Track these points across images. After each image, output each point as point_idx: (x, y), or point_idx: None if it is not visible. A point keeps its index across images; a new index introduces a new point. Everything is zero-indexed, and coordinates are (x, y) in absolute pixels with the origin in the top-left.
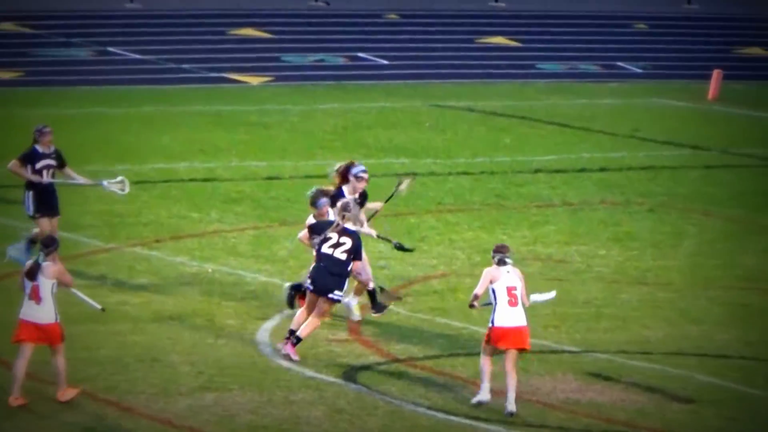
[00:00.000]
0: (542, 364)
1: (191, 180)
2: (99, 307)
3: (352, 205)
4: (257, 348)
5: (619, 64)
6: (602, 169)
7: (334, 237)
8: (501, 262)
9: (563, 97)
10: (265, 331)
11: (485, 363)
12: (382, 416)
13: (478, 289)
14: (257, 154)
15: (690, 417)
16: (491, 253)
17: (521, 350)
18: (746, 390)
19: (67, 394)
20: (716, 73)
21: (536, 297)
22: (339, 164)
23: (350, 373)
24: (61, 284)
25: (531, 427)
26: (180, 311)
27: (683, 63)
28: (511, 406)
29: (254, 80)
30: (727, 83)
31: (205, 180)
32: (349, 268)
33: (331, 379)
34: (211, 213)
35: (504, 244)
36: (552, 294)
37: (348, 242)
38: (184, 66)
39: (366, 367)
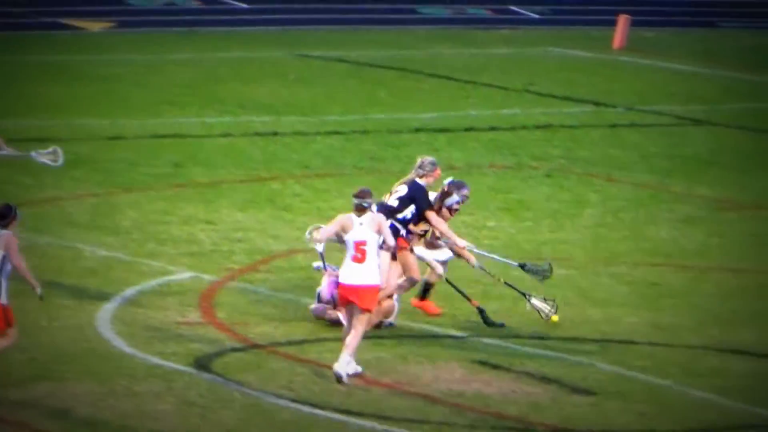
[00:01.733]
0: (422, 350)
1: (22, 140)
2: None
3: None
4: (97, 332)
5: (513, 8)
6: (492, 128)
7: None
8: (358, 209)
9: (448, 45)
10: (105, 312)
11: (344, 329)
12: (238, 410)
13: (323, 234)
14: (97, 110)
15: (591, 411)
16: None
17: (364, 310)
18: (655, 381)
19: None
20: (622, 19)
21: (422, 252)
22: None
23: (203, 361)
24: (10, 260)
25: (410, 422)
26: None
27: (585, 7)
28: (337, 366)
29: (94, 26)
30: (635, 30)
31: (38, 140)
32: None
33: (181, 367)
34: (45, 178)
35: (367, 188)
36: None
37: None
38: (12, 10)
39: (221, 354)
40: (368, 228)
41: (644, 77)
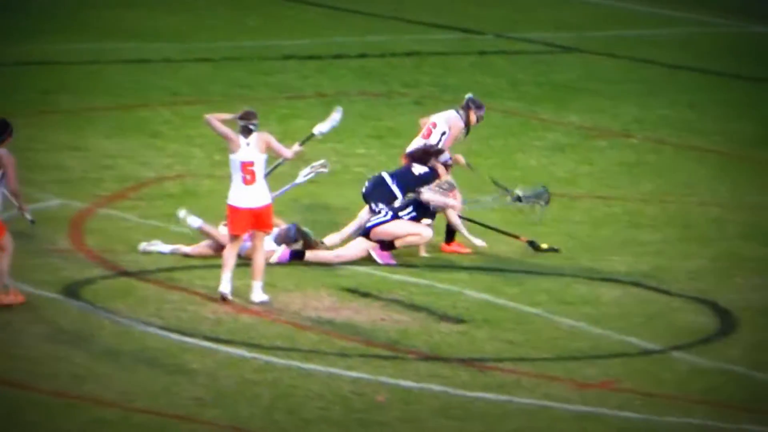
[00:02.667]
0: (291, 278)
1: None
2: (30, 218)
3: None
4: None
5: None
6: (361, 55)
7: None
8: (244, 131)
9: None
10: None
11: (227, 251)
12: (108, 336)
13: (212, 119)
14: None
15: (460, 339)
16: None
17: (264, 231)
18: (524, 309)
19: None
20: None
21: (321, 128)
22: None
23: (72, 289)
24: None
25: (279, 350)
26: None
27: None
28: (254, 294)
29: None
30: None
31: None
32: None
33: (50, 294)
34: None
35: (252, 110)
36: (337, 114)
37: None
38: None
39: (90, 282)
40: (255, 148)
41: (514, 4)
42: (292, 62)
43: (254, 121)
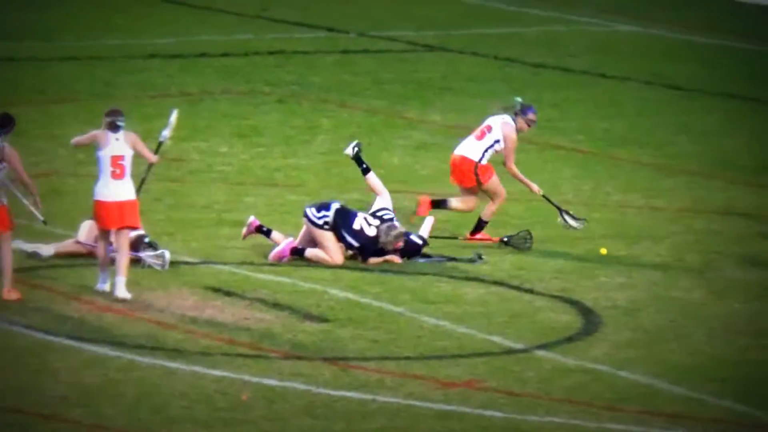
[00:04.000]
0: (155, 276)
1: None
2: (41, 218)
3: None
4: None
5: None
6: (225, 54)
7: None
8: (112, 127)
9: None
10: None
11: (99, 249)
12: None
13: (75, 140)
14: None
15: (323, 338)
16: (103, 117)
17: (130, 228)
18: (388, 307)
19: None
20: None
21: (164, 133)
22: None
23: None
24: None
25: (143, 348)
26: None
27: None
28: (118, 290)
29: None
30: None
31: None
32: None
33: None
34: None
35: (117, 108)
36: (173, 117)
37: None
38: None
39: None
40: (125, 143)
41: (377, 2)
42: (157, 61)
43: (121, 118)
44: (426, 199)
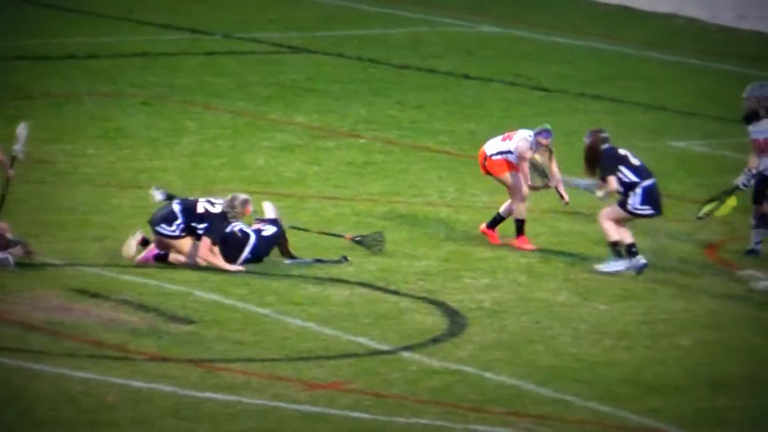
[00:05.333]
0: (21, 279)
1: None
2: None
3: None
4: None
5: None
6: (91, 56)
7: None
8: None
9: None
10: None
11: None
12: None
13: None
14: None
15: (189, 339)
16: None
17: None
18: (253, 309)
19: None
20: None
21: (17, 147)
22: None
23: None
24: None
25: (9, 351)
26: None
27: None
28: None
29: None
30: None
31: None
32: None
33: None
34: None
35: None
36: (22, 131)
37: None
38: None
39: None
40: None
41: (242, 4)
42: (22, 63)
43: None
44: (483, 228)
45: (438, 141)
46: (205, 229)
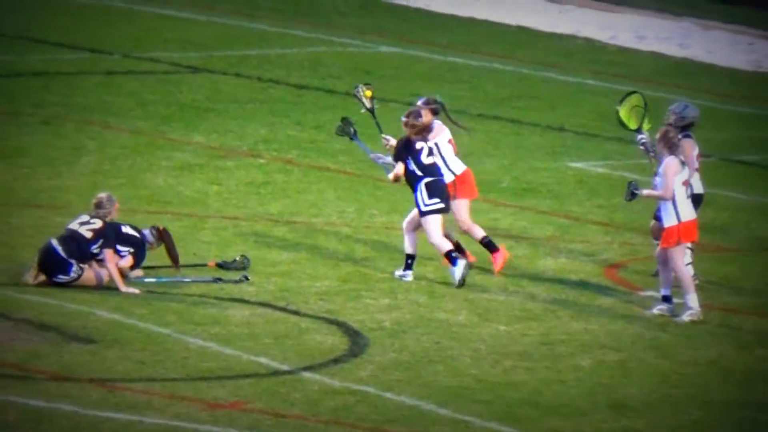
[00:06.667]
0: None
1: None
2: None
3: None
4: None
5: None
6: None
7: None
8: None
9: None
10: None
11: None
12: None
13: None
14: None
15: (90, 359)
16: None
17: None
18: (154, 329)
19: None
20: None
21: None
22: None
23: None
24: None
25: None
26: None
27: None
28: None
29: None
30: None
31: None
32: None
33: None
34: None
35: None
36: None
37: None
38: None
39: None
40: None
41: (140, 24)
42: None
43: None
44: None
45: (337, 161)
46: (102, 244)
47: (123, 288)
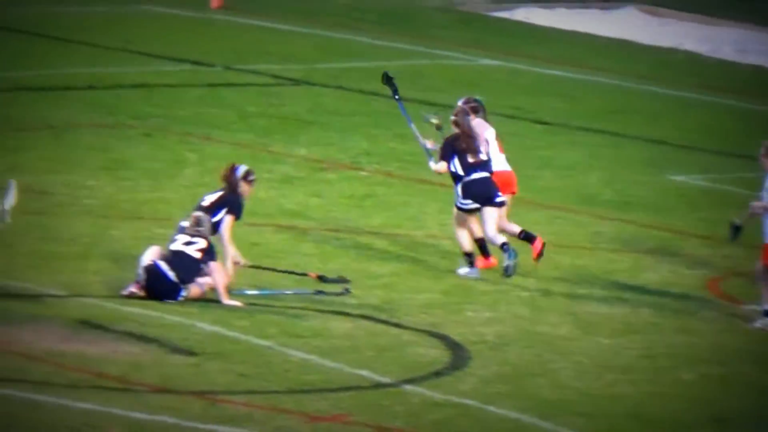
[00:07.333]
0: (23, 308)
1: None
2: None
3: None
4: None
5: None
6: (90, 87)
7: None
8: None
9: (35, 0)
10: None
11: None
12: None
13: None
14: None
15: (191, 371)
16: None
17: None
18: (255, 341)
19: None
20: None
21: (6, 203)
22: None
23: None
24: None
25: (10, 381)
26: None
27: None
28: None
29: None
30: None
31: None
32: None
33: None
34: None
35: None
36: (12, 187)
37: None
38: None
39: None
40: None
41: (242, 37)
42: (21, 94)
43: None
44: (488, 262)
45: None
46: (227, 210)
47: (226, 300)
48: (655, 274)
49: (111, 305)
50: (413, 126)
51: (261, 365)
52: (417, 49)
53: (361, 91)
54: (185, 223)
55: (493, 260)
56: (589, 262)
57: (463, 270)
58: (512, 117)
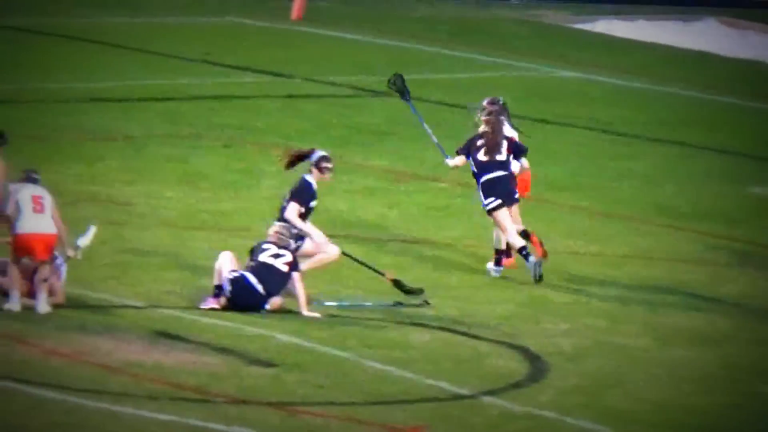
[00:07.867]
0: (101, 319)
1: None
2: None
3: None
4: None
5: None
6: (169, 98)
7: None
8: (29, 180)
9: (113, 10)
10: None
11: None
12: None
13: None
14: None
15: (270, 382)
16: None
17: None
18: (334, 352)
19: None
20: None
21: (82, 241)
22: None
23: None
24: None
25: (89, 392)
26: None
27: None
28: (40, 306)
29: None
30: (313, 2)
31: None
32: None
33: None
34: None
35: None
36: (91, 230)
37: None
38: None
39: None
40: (42, 189)
41: (320, 48)
42: (101, 104)
43: (37, 174)
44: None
45: None
46: (291, 198)
47: (306, 311)
48: (733, 285)
49: (189, 316)
50: (426, 125)
51: (339, 376)
52: (495, 60)
53: (438, 102)
54: (271, 238)
55: (513, 259)
56: (666, 273)
57: (491, 265)
58: (589, 128)
